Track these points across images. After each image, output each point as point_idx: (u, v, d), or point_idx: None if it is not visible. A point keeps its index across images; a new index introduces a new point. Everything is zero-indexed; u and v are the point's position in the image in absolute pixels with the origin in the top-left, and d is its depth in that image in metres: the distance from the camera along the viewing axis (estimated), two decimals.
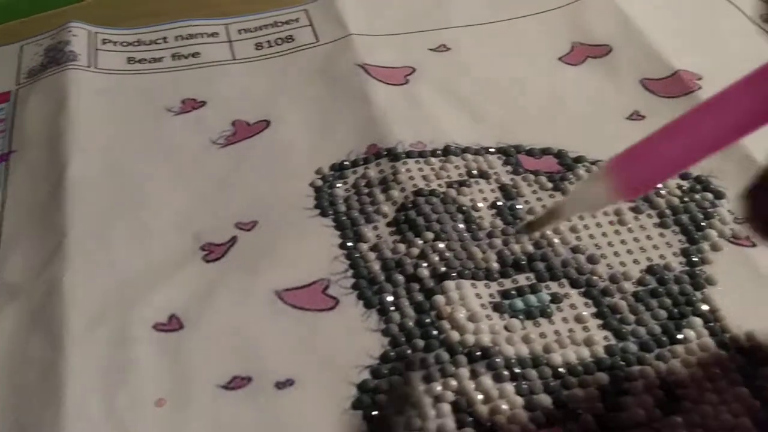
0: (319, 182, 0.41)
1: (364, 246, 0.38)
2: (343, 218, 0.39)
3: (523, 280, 0.36)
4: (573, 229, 0.38)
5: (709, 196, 0.39)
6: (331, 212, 0.40)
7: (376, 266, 0.37)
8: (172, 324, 0.35)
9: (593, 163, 0.41)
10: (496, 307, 0.35)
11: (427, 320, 0.34)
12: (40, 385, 0.33)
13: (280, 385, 0.33)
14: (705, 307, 0.34)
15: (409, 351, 0.33)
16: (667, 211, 0.38)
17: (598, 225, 0.38)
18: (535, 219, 0.32)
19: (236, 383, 0.33)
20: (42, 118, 0.46)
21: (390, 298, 0.35)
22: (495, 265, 0.36)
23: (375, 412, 0.32)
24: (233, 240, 0.39)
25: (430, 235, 0.38)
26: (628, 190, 0.26)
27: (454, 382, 0.32)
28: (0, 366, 0.34)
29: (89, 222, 0.40)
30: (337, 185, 0.41)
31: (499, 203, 0.39)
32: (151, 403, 0.32)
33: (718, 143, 0.25)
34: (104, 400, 0.32)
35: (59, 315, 0.35)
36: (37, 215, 0.41)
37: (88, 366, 0.34)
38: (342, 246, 0.38)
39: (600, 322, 0.34)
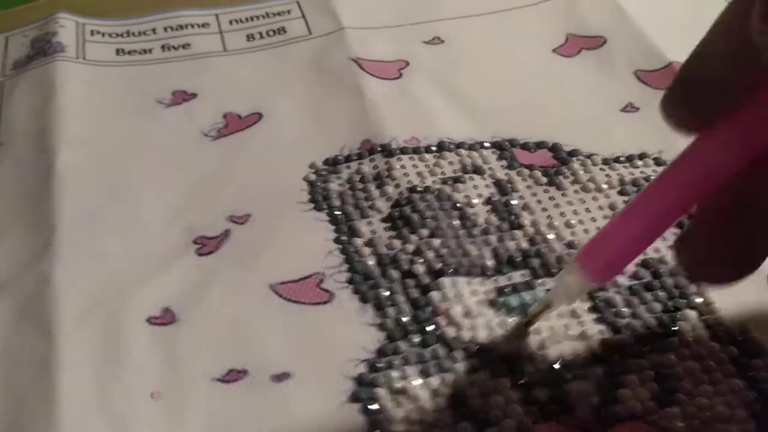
0: (313, 176, 0.41)
1: (359, 241, 0.38)
2: (338, 213, 0.39)
3: (518, 277, 0.36)
4: (567, 225, 0.38)
5: None
6: (325, 207, 0.39)
7: (371, 261, 0.37)
8: (166, 317, 0.35)
9: (588, 156, 0.41)
10: (491, 304, 0.35)
11: (423, 316, 0.34)
12: (33, 381, 0.33)
13: (277, 378, 0.33)
14: (699, 300, 0.35)
15: (405, 346, 0.33)
16: None
17: (593, 219, 0.38)
18: (530, 317, 0.33)
19: (232, 376, 0.33)
20: (29, 110, 0.46)
21: (386, 293, 0.35)
22: (490, 262, 0.36)
23: (372, 406, 0.31)
24: (226, 233, 0.39)
25: (425, 232, 0.37)
26: (599, 277, 0.29)
27: (451, 377, 0.32)
28: None
29: (79, 216, 0.39)
30: (331, 180, 0.41)
31: (494, 199, 0.39)
32: (146, 396, 0.32)
33: (668, 218, 0.28)
34: (99, 394, 0.32)
35: (50, 309, 0.35)
36: (25, 209, 0.40)
37: (81, 360, 0.33)
38: (337, 240, 0.38)
39: (595, 316, 0.34)
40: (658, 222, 0.28)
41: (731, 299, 0.35)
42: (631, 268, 0.36)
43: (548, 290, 0.34)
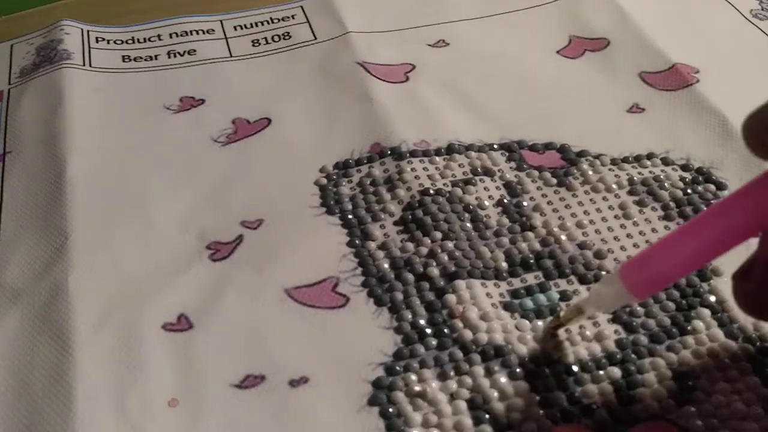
0: (324, 181, 0.41)
1: (372, 244, 0.38)
2: (350, 217, 0.39)
3: (531, 279, 0.36)
4: (579, 225, 0.38)
5: (712, 187, 0.40)
6: (337, 211, 0.40)
7: (385, 264, 0.37)
8: (182, 324, 0.35)
9: (596, 156, 0.42)
10: (507, 307, 0.35)
11: (439, 319, 0.34)
12: (49, 389, 0.33)
13: (294, 383, 0.33)
14: (712, 298, 0.35)
15: (422, 349, 0.33)
16: (671, 204, 0.39)
17: (604, 219, 0.38)
18: (561, 318, 0.33)
19: (249, 382, 0.33)
20: (37, 118, 0.46)
21: (400, 297, 0.35)
22: (503, 265, 0.36)
23: (391, 409, 0.32)
24: (240, 238, 0.39)
25: (438, 235, 0.38)
26: (638, 292, 0.29)
27: (469, 380, 0.32)
28: (6, 370, 0.34)
29: (91, 223, 0.40)
30: (343, 184, 0.41)
31: (504, 201, 0.39)
32: (164, 403, 0.32)
33: (731, 242, 0.28)
34: (115, 402, 0.32)
35: (65, 317, 0.35)
36: (37, 217, 0.40)
37: (97, 368, 0.33)
38: (350, 244, 0.38)
39: (609, 316, 0.34)
40: (719, 245, 0.28)
41: None
42: None
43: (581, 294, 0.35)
